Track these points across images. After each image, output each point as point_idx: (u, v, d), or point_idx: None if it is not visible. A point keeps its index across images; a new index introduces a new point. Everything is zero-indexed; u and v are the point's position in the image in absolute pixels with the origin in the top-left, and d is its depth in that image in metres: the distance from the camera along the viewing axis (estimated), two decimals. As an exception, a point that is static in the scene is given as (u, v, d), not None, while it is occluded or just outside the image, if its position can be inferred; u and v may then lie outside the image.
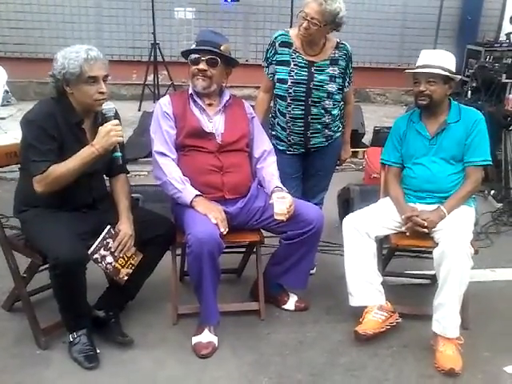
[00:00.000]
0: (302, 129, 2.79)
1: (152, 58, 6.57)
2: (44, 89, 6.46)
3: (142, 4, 6.87)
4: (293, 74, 2.72)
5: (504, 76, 4.60)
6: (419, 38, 7.42)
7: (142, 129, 5.14)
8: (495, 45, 6.15)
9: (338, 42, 2.78)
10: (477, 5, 7.61)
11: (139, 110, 6.33)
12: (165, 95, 2.66)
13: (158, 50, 6.55)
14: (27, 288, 2.44)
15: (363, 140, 5.47)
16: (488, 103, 4.38)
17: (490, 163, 2.61)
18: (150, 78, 6.69)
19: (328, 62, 2.74)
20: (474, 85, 4.81)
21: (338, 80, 2.76)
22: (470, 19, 7.53)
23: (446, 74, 2.48)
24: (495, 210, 4.11)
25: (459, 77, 2.62)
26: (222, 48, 2.47)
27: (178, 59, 7.27)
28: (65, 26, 6.95)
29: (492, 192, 4.35)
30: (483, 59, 5.60)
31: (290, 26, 6.53)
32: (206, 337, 2.40)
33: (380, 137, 5.24)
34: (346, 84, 2.84)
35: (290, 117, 2.78)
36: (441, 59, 2.51)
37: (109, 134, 2.15)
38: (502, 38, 7.06)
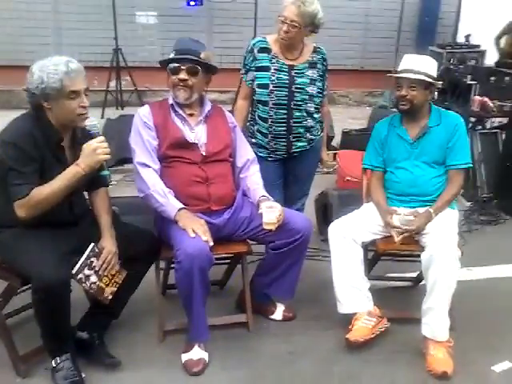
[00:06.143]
0: (285, 133, 2.77)
1: (114, 63, 6.42)
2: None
3: (103, 8, 6.69)
4: (274, 78, 2.71)
5: (469, 78, 4.72)
6: (381, 39, 7.56)
7: (107, 136, 4.97)
8: (456, 47, 6.32)
9: (315, 47, 2.81)
10: (434, 8, 7.80)
11: (102, 118, 6.16)
12: (143, 105, 2.57)
13: (120, 56, 6.41)
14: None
15: (332, 143, 5.49)
16: (455, 104, 4.48)
17: (472, 166, 2.65)
18: (112, 84, 6.54)
19: (307, 65, 2.76)
20: (440, 86, 4.90)
21: (317, 83, 2.79)
22: (427, 20, 7.71)
23: (428, 79, 2.51)
24: (466, 209, 4.20)
25: (440, 83, 2.66)
26: (201, 56, 2.41)
27: (141, 64, 7.21)
28: (21, 31, 6.68)
29: (461, 191, 4.43)
30: (446, 61, 5.74)
31: (254, 30, 6.54)
32: (197, 353, 2.33)
33: (349, 139, 5.26)
34: (325, 87, 2.86)
35: (272, 121, 2.76)
36: (422, 64, 2.54)
37: (95, 152, 2.05)
38: (459, 39, 7.28)
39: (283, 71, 2.72)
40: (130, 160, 4.48)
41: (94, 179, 2.25)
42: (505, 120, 4.51)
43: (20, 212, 2.04)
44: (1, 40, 6.67)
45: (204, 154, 2.43)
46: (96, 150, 2.06)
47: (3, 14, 6.64)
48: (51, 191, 2.04)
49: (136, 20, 7.08)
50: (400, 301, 2.87)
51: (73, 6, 6.81)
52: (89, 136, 2.11)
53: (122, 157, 4.74)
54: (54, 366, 2.17)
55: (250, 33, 6.52)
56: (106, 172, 2.15)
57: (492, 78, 4.69)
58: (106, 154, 2.09)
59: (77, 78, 2.07)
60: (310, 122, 2.81)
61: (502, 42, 6.43)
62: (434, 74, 2.56)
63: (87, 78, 2.15)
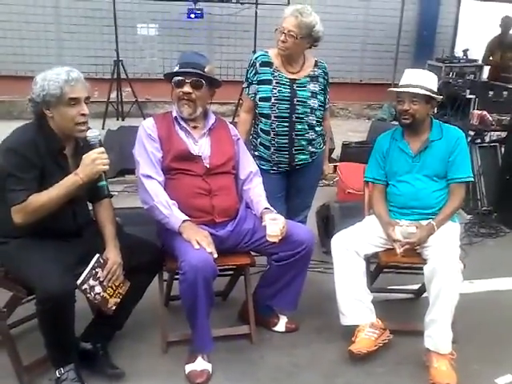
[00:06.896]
0: (287, 146, 2.80)
1: (115, 74, 6.47)
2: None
3: (104, 20, 6.75)
4: (275, 91, 2.74)
5: (468, 92, 4.77)
6: (380, 53, 7.63)
7: (107, 147, 4.98)
8: (454, 61, 6.38)
9: (316, 61, 2.86)
10: (432, 22, 7.90)
11: (103, 129, 6.18)
12: (144, 116, 2.60)
13: (121, 67, 6.46)
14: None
15: (332, 155, 5.51)
16: (454, 118, 4.53)
17: (472, 180, 2.68)
18: (113, 95, 6.57)
19: (308, 79, 2.80)
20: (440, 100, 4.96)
21: (319, 97, 2.83)
22: (425, 34, 7.80)
23: (430, 93, 2.54)
24: (466, 221, 4.22)
25: (441, 97, 2.69)
26: (206, 69, 2.44)
27: (142, 76, 7.25)
28: (23, 42, 6.73)
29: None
30: (445, 75, 5.80)
31: (254, 43, 6.60)
32: (200, 364, 2.33)
33: (349, 151, 5.30)
34: (327, 101, 2.90)
35: (274, 134, 2.79)
36: (424, 79, 2.58)
37: (94, 163, 2.07)
38: (456, 53, 7.36)
39: (285, 85, 2.75)
40: (130, 171, 4.55)
41: (95, 190, 2.25)
42: (503, 134, 4.56)
43: (16, 218, 2.06)
44: (2, 51, 6.72)
45: (208, 166, 2.44)
46: (95, 160, 2.08)
47: (5, 26, 6.69)
48: (48, 199, 2.05)
49: (137, 32, 7.14)
50: (402, 313, 2.88)
51: (74, 18, 6.87)
52: (90, 146, 2.13)
53: (122, 167, 4.78)
54: (58, 376, 2.17)
55: (250, 46, 6.60)
56: (103, 183, 2.16)
57: (490, 93, 4.75)
58: (105, 165, 2.11)
59: (76, 85, 2.11)
60: (311, 135, 2.84)
61: (492, 57, 6.53)
62: (435, 88, 2.60)
63: (88, 89, 2.18)
